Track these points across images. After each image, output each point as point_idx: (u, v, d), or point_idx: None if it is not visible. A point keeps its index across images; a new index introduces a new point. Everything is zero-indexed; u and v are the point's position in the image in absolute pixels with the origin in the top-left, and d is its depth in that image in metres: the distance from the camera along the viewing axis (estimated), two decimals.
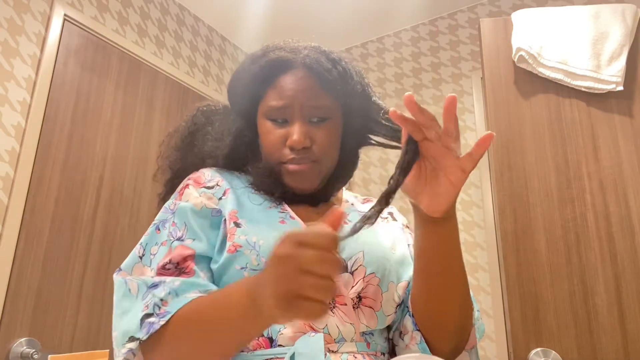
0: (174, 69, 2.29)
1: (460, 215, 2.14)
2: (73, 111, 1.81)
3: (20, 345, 1.51)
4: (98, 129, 1.89)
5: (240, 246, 0.64)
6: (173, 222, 0.69)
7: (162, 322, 0.57)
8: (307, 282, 0.42)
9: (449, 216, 0.59)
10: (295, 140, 0.70)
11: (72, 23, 1.86)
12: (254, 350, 0.62)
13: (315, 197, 0.77)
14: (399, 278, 0.72)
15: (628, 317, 1.14)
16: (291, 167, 0.71)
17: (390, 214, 0.88)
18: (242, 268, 0.63)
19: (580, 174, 1.28)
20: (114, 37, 2.01)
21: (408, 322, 0.70)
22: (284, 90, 0.72)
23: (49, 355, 1.52)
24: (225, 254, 0.64)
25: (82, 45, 1.89)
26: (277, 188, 0.74)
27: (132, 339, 0.58)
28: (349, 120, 0.76)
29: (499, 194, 1.32)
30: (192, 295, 0.60)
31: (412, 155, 0.56)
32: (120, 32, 2.06)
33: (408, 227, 0.85)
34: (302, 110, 0.71)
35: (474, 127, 2.22)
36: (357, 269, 0.68)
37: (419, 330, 0.68)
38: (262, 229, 0.67)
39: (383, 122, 0.74)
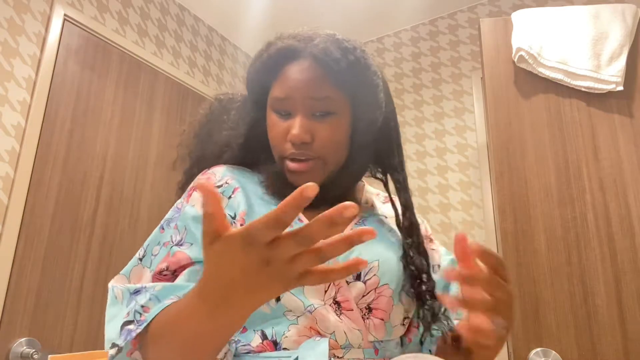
0: (174, 69, 2.29)
1: (460, 215, 2.14)
2: (73, 111, 1.81)
3: (20, 345, 1.51)
4: (98, 129, 1.89)
5: None
6: (176, 224, 0.67)
7: (139, 330, 0.54)
8: (297, 266, 0.39)
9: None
10: (293, 135, 0.65)
11: (72, 23, 1.86)
12: (258, 352, 0.60)
13: (323, 197, 0.74)
14: (412, 292, 0.70)
15: (628, 317, 1.14)
16: (291, 165, 0.68)
17: None
18: None
19: (580, 174, 1.28)
20: (114, 37, 2.01)
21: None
22: (287, 81, 0.67)
23: (49, 355, 1.52)
24: None
25: (82, 45, 1.89)
26: (287, 189, 0.69)
27: (113, 345, 0.56)
28: (360, 117, 0.70)
29: (499, 194, 1.31)
30: (173, 299, 0.57)
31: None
32: (120, 32, 2.06)
33: (431, 240, 0.82)
34: (304, 103, 0.66)
35: (474, 127, 2.22)
36: (370, 278, 0.65)
37: None
38: None
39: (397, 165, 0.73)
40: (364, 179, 0.83)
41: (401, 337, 0.71)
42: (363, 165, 0.76)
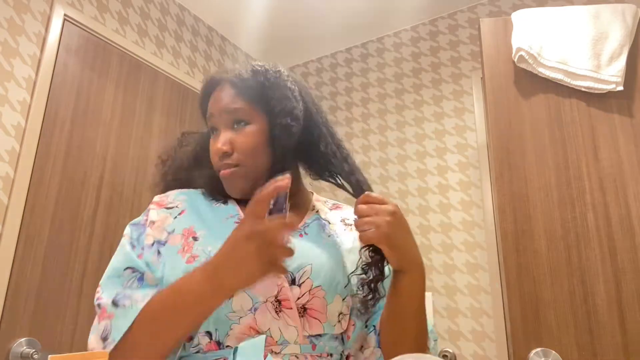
0: (174, 69, 2.29)
1: (460, 215, 2.14)
2: (73, 111, 1.81)
3: (20, 345, 1.51)
4: (98, 129, 1.89)
5: (198, 256, 0.70)
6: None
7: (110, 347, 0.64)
8: (282, 251, 0.57)
9: (405, 270, 0.70)
10: (216, 147, 0.77)
11: (72, 23, 1.86)
12: (207, 351, 0.67)
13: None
14: (347, 292, 0.76)
15: (628, 317, 1.14)
16: (221, 173, 0.78)
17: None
18: None
19: (580, 174, 1.28)
20: (114, 37, 2.01)
21: (372, 339, 0.78)
22: (210, 103, 0.81)
23: (49, 355, 1.52)
24: (184, 265, 0.70)
25: (82, 45, 1.89)
26: (221, 191, 0.81)
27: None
28: (275, 125, 0.79)
29: (499, 194, 1.32)
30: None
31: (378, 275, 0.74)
32: (120, 32, 2.06)
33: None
34: (222, 117, 0.78)
35: (473, 127, 2.22)
36: (304, 281, 0.72)
37: (380, 348, 0.77)
38: (218, 238, 0.70)
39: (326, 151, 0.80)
40: (312, 188, 0.93)
41: (341, 334, 0.78)
42: (286, 170, 0.83)
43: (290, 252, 0.58)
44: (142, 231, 0.77)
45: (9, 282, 1.52)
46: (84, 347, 1.69)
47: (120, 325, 0.64)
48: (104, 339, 0.65)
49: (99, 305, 0.68)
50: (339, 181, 0.82)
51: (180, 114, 2.29)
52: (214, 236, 0.73)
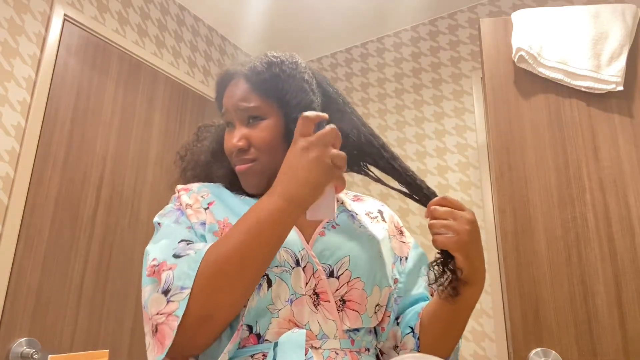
0: (174, 69, 2.29)
1: None
2: (73, 111, 1.81)
3: (20, 345, 1.51)
4: (98, 129, 1.89)
5: None
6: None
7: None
8: (335, 153, 0.61)
9: (472, 283, 0.69)
10: (231, 143, 0.76)
11: (72, 23, 1.86)
12: (243, 346, 0.65)
13: None
14: (384, 283, 0.75)
15: (628, 317, 1.14)
16: (236, 167, 0.77)
17: (381, 212, 0.89)
18: None
19: (580, 174, 1.28)
20: (114, 37, 2.01)
21: (410, 342, 0.76)
22: (225, 98, 0.79)
23: (49, 355, 1.52)
24: None
25: (82, 45, 1.89)
26: (241, 188, 0.79)
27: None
28: (292, 119, 0.76)
29: (499, 194, 1.32)
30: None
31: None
32: (120, 32, 2.06)
33: (401, 232, 0.88)
34: (237, 114, 0.77)
35: (473, 127, 2.22)
36: (342, 273, 0.71)
37: (418, 350, 0.76)
38: None
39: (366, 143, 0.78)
40: None
41: (375, 327, 0.77)
42: None
43: (344, 157, 0.61)
44: (178, 215, 0.73)
45: (9, 282, 1.52)
46: (84, 347, 1.70)
47: (186, 270, 0.59)
48: (166, 291, 0.59)
49: (154, 266, 0.62)
50: (372, 175, 0.80)
51: (180, 114, 2.29)
52: None
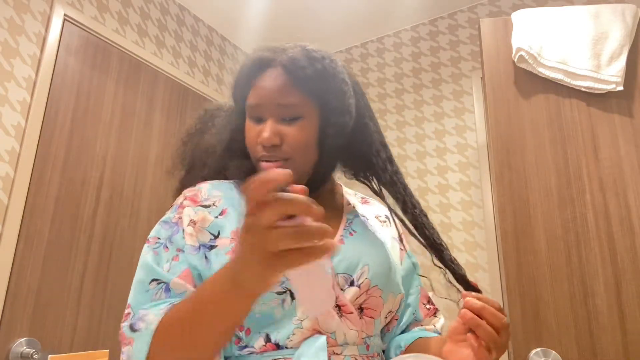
0: (174, 69, 2.29)
1: (460, 215, 2.14)
2: (73, 111, 1.81)
3: (20, 345, 1.51)
4: (98, 129, 1.89)
5: None
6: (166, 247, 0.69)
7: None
8: (275, 235, 0.41)
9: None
10: (263, 137, 0.70)
11: (72, 23, 1.86)
12: (261, 353, 0.64)
13: None
14: (397, 290, 0.76)
15: (628, 317, 1.14)
16: (263, 165, 0.71)
17: (387, 217, 0.89)
18: None
19: (580, 174, 1.28)
20: (114, 37, 2.01)
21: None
22: (258, 89, 0.72)
23: (49, 355, 1.52)
24: None
25: (82, 45, 1.89)
26: None
27: None
28: (328, 122, 0.73)
29: (499, 194, 1.31)
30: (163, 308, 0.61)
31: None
32: (120, 32, 2.06)
33: (401, 239, 0.88)
34: (274, 109, 0.71)
35: (474, 127, 2.22)
36: (362, 282, 0.70)
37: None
38: None
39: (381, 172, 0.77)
40: (339, 181, 0.89)
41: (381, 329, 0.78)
42: (333, 167, 0.81)
43: (301, 235, 0.41)
44: (175, 230, 0.69)
45: (9, 282, 1.52)
46: (84, 347, 1.70)
47: (139, 349, 0.58)
48: None
49: (122, 332, 0.62)
50: (374, 186, 0.79)
51: (180, 114, 2.29)
52: None
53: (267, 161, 0.71)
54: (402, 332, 0.82)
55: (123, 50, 2.05)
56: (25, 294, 1.55)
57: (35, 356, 1.50)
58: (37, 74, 1.70)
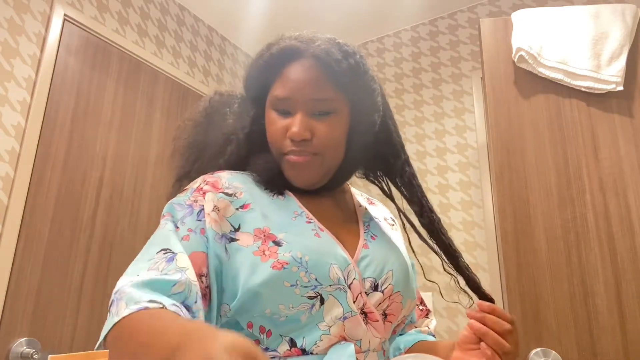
0: (174, 69, 2.29)
1: (460, 215, 2.14)
2: (73, 111, 1.81)
3: (20, 345, 1.51)
4: (98, 129, 1.89)
5: (287, 263, 0.61)
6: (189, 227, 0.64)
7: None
8: None
9: None
10: (294, 131, 0.67)
11: (72, 23, 1.86)
12: (285, 357, 0.61)
13: (318, 192, 0.76)
14: (413, 296, 0.75)
15: (628, 317, 1.14)
16: (292, 158, 0.69)
17: (393, 219, 0.89)
18: (292, 285, 0.61)
19: (580, 174, 1.28)
20: (114, 37, 2.01)
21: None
22: (288, 80, 0.69)
23: (49, 355, 1.52)
24: (269, 271, 0.60)
25: (82, 45, 1.89)
26: (279, 180, 0.72)
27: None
28: (359, 119, 0.72)
29: (499, 194, 1.31)
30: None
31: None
32: (120, 32, 2.06)
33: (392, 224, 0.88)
34: (306, 104, 0.68)
35: (473, 127, 2.22)
36: (386, 287, 0.69)
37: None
38: (303, 244, 0.64)
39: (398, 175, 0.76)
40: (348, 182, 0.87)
41: None
42: (358, 165, 0.80)
43: None
44: (188, 212, 0.65)
45: (9, 282, 1.52)
46: (84, 347, 1.69)
47: (106, 325, 0.54)
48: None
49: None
50: (385, 187, 0.78)
51: (180, 114, 2.29)
52: (297, 242, 0.63)
53: (295, 155, 0.69)
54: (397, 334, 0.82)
55: (123, 50, 2.05)
56: (25, 294, 1.56)
57: (35, 356, 1.50)
58: (37, 74, 1.70)
